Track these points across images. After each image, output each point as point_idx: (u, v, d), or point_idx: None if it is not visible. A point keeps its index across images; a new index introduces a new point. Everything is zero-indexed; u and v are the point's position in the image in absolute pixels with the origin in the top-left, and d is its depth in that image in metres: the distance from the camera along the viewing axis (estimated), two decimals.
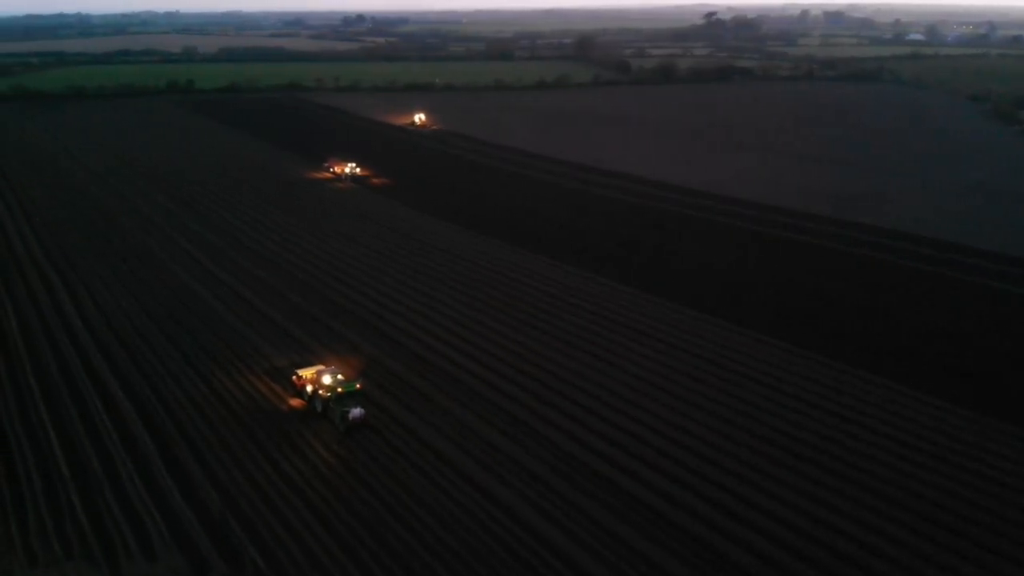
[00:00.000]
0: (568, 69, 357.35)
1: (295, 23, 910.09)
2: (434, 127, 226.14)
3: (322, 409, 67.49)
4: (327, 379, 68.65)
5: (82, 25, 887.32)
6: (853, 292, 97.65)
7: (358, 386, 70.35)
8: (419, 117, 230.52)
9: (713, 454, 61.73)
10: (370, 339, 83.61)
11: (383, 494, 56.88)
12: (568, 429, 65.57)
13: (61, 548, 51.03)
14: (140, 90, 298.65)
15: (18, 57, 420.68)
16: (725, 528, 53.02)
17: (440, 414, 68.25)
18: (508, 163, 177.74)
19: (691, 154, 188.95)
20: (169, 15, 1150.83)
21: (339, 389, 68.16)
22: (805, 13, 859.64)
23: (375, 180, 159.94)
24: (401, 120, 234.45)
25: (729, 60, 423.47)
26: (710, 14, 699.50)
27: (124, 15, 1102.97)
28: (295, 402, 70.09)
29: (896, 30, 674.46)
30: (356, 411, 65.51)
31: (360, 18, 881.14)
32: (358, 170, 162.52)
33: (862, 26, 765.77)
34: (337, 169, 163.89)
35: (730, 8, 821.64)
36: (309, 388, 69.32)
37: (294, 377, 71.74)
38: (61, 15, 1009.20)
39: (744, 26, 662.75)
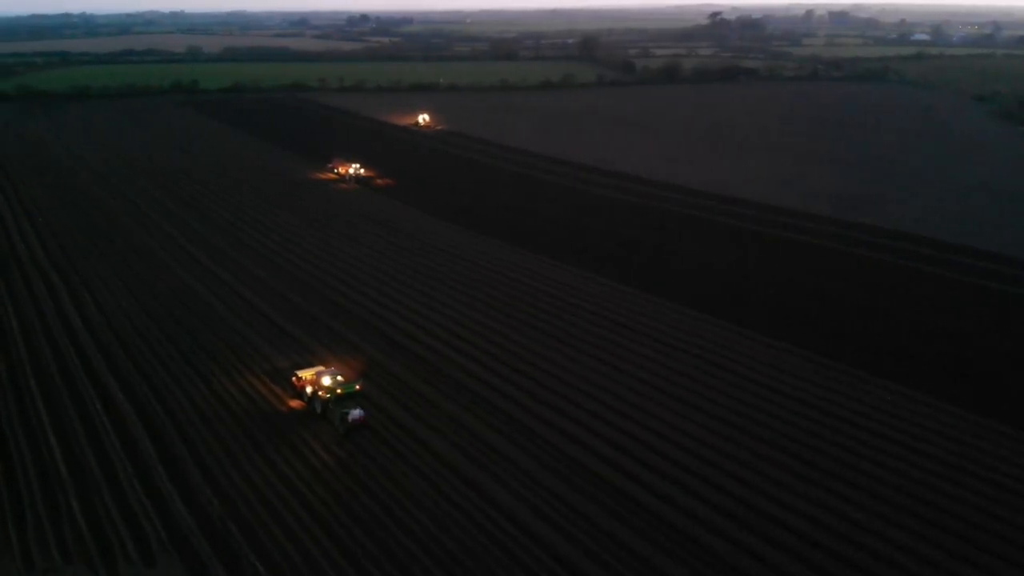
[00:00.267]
0: (572, 69, 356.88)
1: (299, 23, 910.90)
2: (438, 127, 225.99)
3: (321, 410, 67.44)
4: (327, 380, 68.58)
5: (87, 25, 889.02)
6: (853, 292, 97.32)
7: (358, 387, 70.32)
8: (423, 117, 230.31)
9: (713, 456, 61.55)
10: (370, 340, 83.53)
11: (382, 496, 56.79)
12: (568, 431, 65.41)
13: (59, 552, 50.97)
14: (144, 90, 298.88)
15: (22, 57, 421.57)
16: (725, 531, 52.83)
17: (439, 415, 68.14)
18: (511, 163, 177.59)
19: (694, 154, 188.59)
20: (173, 15, 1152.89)
21: (339, 390, 68.08)
22: (810, 13, 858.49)
23: (379, 181, 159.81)
24: (405, 120, 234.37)
25: (734, 60, 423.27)
26: (715, 14, 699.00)
27: (129, 15, 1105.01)
28: (295, 403, 70.05)
29: (901, 30, 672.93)
30: (356, 413, 65.43)
31: (364, 18, 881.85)
32: (362, 171, 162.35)
33: (867, 26, 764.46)
34: (341, 170, 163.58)
35: (734, 8, 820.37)
36: (309, 389, 69.27)
37: (294, 378, 71.72)
38: (66, 15, 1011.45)
39: (749, 26, 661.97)
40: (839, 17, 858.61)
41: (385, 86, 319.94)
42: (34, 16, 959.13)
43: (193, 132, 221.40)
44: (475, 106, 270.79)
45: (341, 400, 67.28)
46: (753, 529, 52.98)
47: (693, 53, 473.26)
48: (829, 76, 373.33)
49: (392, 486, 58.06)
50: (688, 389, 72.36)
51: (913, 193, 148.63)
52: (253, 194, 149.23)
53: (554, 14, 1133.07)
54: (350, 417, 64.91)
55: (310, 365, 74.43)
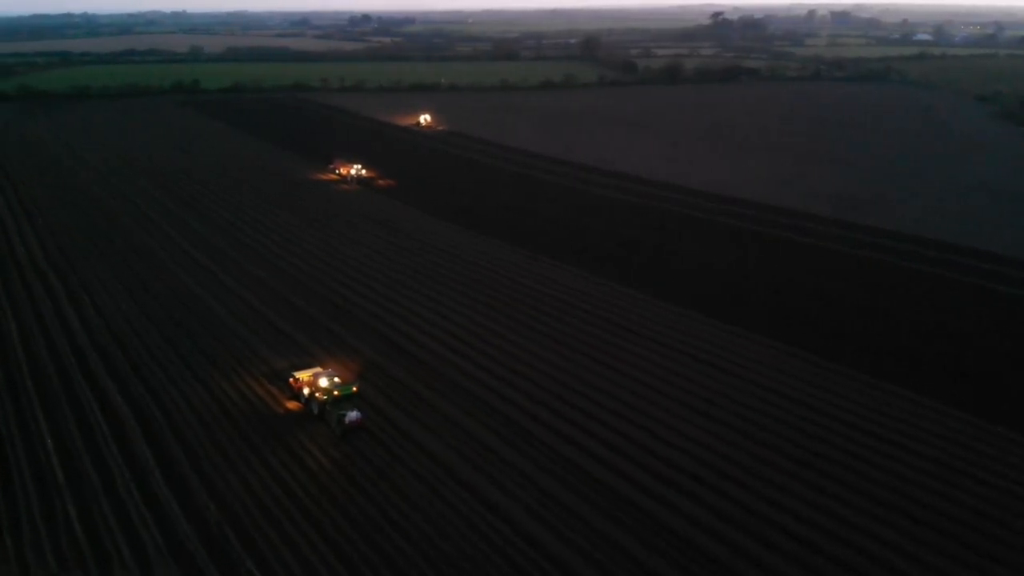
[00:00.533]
0: (574, 69, 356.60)
1: (301, 23, 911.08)
2: (439, 128, 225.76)
3: (319, 412, 67.25)
4: (324, 382, 68.39)
5: (88, 25, 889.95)
6: (853, 293, 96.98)
7: (355, 389, 70.13)
8: (424, 118, 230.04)
9: (712, 459, 61.28)
10: (369, 341, 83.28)
11: (379, 500, 56.57)
12: (565, 433, 65.18)
13: (55, 560, 50.65)
14: (144, 90, 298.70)
15: (23, 57, 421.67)
16: (725, 535, 52.57)
17: (436, 417, 67.91)
18: (512, 164, 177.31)
19: (695, 154, 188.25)
20: (175, 15, 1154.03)
21: (336, 392, 67.89)
22: (812, 13, 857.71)
23: (380, 182, 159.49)
24: (406, 121, 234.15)
25: (736, 60, 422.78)
26: (716, 14, 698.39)
27: (130, 15, 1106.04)
28: (292, 405, 69.86)
29: (903, 30, 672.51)
30: (352, 415, 65.21)
31: (366, 18, 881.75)
32: (364, 171, 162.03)
33: (869, 26, 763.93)
34: (343, 170, 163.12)
35: (736, 8, 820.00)
36: (306, 391, 69.10)
37: (291, 380, 71.51)
38: (68, 15, 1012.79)
39: (751, 26, 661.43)
40: (841, 17, 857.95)
41: (386, 86, 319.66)
42: (36, 16, 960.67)
43: (194, 132, 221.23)
44: (476, 106, 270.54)
45: (338, 402, 67.10)
46: (752, 533, 52.72)
47: (695, 53, 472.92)
48: (831, 76, 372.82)
49: (388, 488, 57.85)
50: (687, 391, 72.07)
51: (914, 193, 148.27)
52: (254, 194, 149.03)
53: (555, 14, 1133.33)
54: (347, 419, 64.69)
55: (308, 366, 74.21)
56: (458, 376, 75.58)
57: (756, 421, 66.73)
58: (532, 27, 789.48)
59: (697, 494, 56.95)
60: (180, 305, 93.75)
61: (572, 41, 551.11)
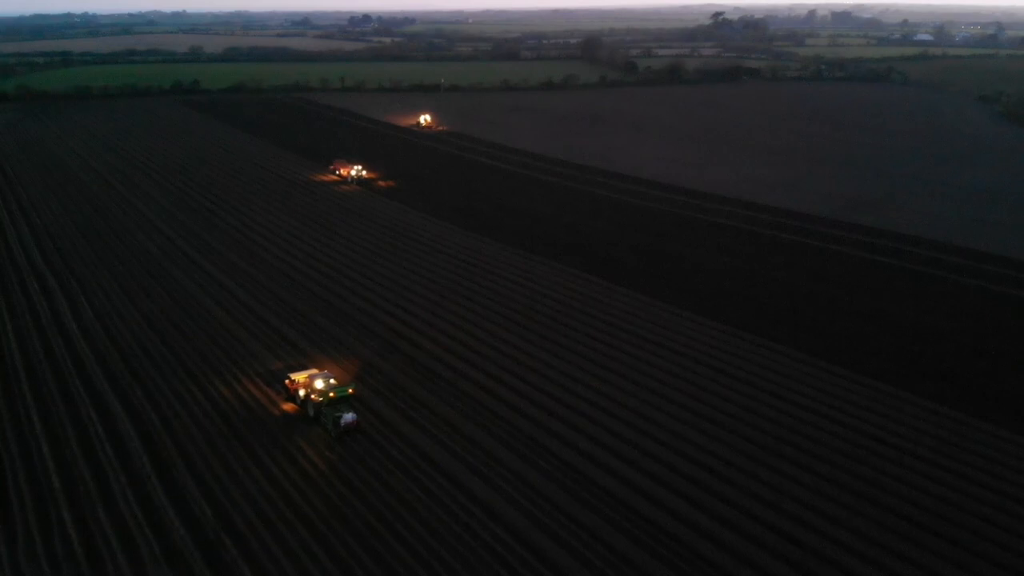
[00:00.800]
0: (575, 69, 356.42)
1: (301, 23, 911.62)
2: (440, 128, 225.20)
3: (314, 414, 66.71)
4: (320, 383, 67.89)
5: (89, 25, 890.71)
6: (855, 295, 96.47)
7: (351, 390, 69.63)
8: (425, 118, 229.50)
9: (713, 463, 60.75)
10: (367, 343, 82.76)
11: (374, 502, 56.05)
12: (562, 434, 64.69)
13: (49, 567, 50.04)
14: (145, 90, 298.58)
15: (24, 57, 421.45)
16: (724, 540, 52.05)
17: (433, 419, 67.40)
18: (513, 165, 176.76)
19: (697, 155, 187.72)
20: (176, 15, 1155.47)
21: (331, 393, 67.42)
22: (812, 13, 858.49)
23: (381, 183, 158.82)
24: (407, 121, 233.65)
25: (737, 60, 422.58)
26: (717, 14, 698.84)
27: (131, 15, 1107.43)
28: (288, 406, 69.33)
29: (904, 30, 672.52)
30: (348, 416, 64.69)
31: (366, 18, 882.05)
32: (364, 172, 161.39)
33: (869, 26, 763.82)
34: (343, 171, 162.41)
35: (737, 8, 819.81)
36: (302, 392, 68.57)
37: (287, 381, 70.94)
38: (68, 15, 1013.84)
39: (751, 26, 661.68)
40: (841, 17, 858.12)
41: (386, 86, 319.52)
42: (36, 16, 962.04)
43: (194, 132, 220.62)
44: (477, 107, 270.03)
45: (334, 403, 66.58)
46: (752, 537, 52.19)
47: (696, 53, 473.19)
48: (832, 76, 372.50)
49: (384, 490, 57.37)
50: (689, 395, 71.59)
51: (915, 195, 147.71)
52: (254, 195, 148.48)
53: (556, 14, 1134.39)
54: (342, 421, 64.19)
55: (305, 368, 73.65)
56: (455, 378, 75.02)
57: (758, 425, 66.27)
58: (533, 27, 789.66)
59: (698, 500, 56.34)
60: (177, 307, 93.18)
61: (573, 41, 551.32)
